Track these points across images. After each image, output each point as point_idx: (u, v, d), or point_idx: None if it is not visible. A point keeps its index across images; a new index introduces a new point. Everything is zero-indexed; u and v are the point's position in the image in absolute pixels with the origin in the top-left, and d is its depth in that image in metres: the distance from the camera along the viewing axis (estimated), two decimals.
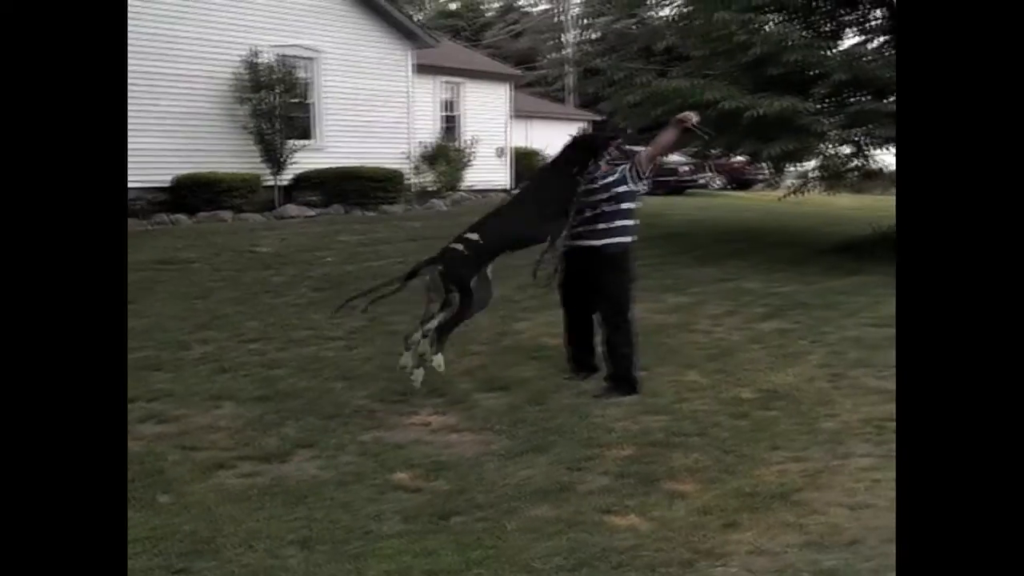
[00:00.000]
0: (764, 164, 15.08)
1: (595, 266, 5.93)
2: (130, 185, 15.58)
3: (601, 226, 5.89)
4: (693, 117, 5.94)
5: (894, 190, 21.28)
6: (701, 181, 30.13)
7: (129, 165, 15.95)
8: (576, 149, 6.01)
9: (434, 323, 5.51)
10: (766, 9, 13.31)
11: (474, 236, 5.66)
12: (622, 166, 6.01)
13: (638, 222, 6.06)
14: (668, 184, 25.83)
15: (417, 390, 5.73)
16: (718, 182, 32.10)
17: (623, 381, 5.91)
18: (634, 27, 29.93)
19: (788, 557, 3.57)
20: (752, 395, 5.87)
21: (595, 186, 5.91)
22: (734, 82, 12.51)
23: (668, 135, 6.07)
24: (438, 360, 5.44)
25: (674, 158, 28.17)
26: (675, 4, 15.28)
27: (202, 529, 3.74)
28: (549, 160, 7.13)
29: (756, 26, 12.23)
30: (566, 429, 5.13)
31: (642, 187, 6.00)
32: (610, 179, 5.93)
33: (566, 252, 6.02)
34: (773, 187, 30.61)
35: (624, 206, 5.94)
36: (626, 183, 5.92)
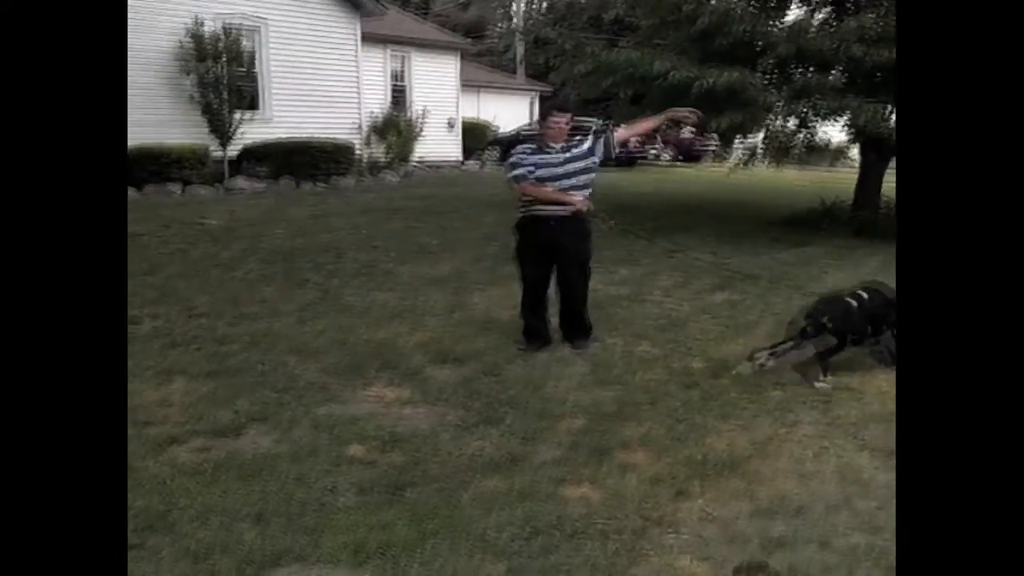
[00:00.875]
0: (713, 136, 15.18)
1: (570, 232, 6.03)
2: None
3: (576, 195, 6.00)
4: (693, 118, 6.06)
5: (840, 163, 21.60)
6: (652, 153, 30.28)
7: None
8: None
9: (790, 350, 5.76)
10: None
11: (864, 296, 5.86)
12: (590, 139, 6.14)
13: (593, 192, 6.16)
14: (619, 157, 25.91)
15: (369, 364, 5.75)
16: (667, 155, 32.29)
17: (585, 329, 6.36)
18: None
19: (738, 525, 3.66)
20: (702, 365, 5.96)
21: (570, 155, 6.02)
22: (683, 53, 12.56)
23: (651, 123, 6.18)
24: (823, 385, 5.53)
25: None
26: None
27: (156, 504, 3.73)
28: None
29: None
30: (519, 401, 5.17)
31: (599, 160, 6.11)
32: (579, 149, 6.06)
33: (530, 219, 6.09)
34: (722, 160, 30.93)
35: (589, 178, 6.10)
36: (594, 155, 6.09)
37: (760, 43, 12.36)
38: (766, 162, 14.96)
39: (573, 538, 3.51)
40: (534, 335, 6.30)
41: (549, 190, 5.98)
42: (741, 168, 15.35)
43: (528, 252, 6.25)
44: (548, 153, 6.02)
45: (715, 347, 6.41)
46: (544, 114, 6.22)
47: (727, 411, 5.05)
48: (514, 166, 6.12)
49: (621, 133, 6.42)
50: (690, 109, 6.24)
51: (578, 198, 5.98)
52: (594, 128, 6.12)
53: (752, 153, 14.93)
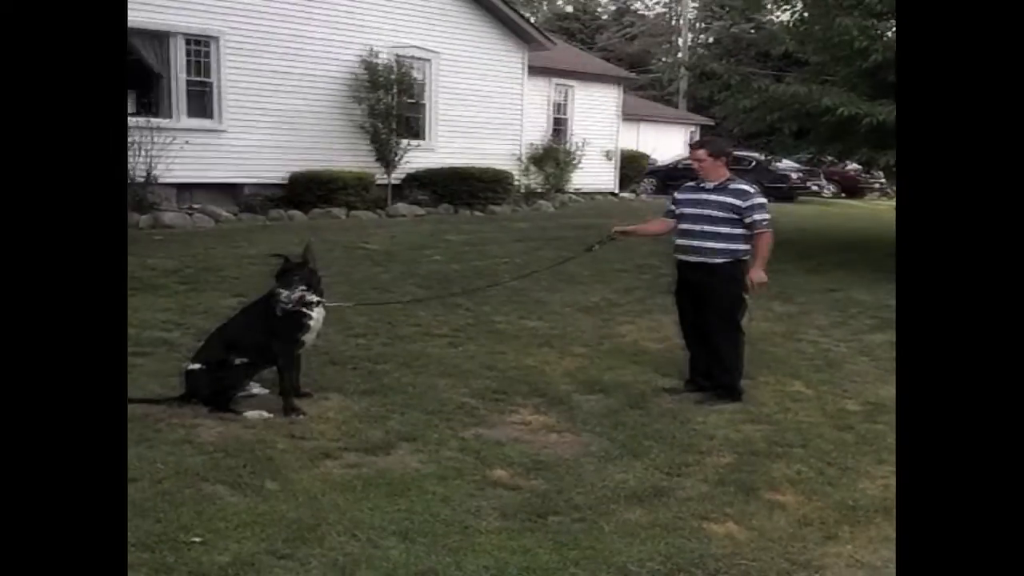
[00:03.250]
0: (879, 173, 14.69)
1: (706, 275, 5.83)
2: (247, 181, 16.15)
3: (710, 244, 5.79)
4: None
5: None
6: (813, 188, 29.52)
7: (247, 161, 16.42)
8: None
9: None
10: (887, 15, 13.00)
11: None
12: (749, 200, 5.79)
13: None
14: (779, 191, 25.37)
15: (516, 389, 5.82)
16: (830, 189, 31.41)
17: (728, 389, 5.87)
18: (751, 31, 29.53)
19: (888, 572, 3.52)
20: (858, 407, 5.76)
21: (719, 198, 5.81)
22: (853, 88, 12.27)
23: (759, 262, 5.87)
24: None
25: (786, 163, 27.71)
26: (794, 9, 15.01)
27: (307, 516, 3.87)
28: None
29: (877, 32, 11.97)
30: (665, 434, 5.12)
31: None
32: (726, 198, 5.80)
33: (678, 262, 6.01)
34: (887, 196, 29.86)
35: (734, 230, 5.76)
36: (739, 212, 5.76)
37: None
38: None
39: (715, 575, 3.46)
40: (696, 372, 6.13)
41: (637, 226, 6.23)
42: None
43: (677, 292, 6.19)
44: (701, 191, 5.92)
45: (872, 389, 6.19)
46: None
47: (882, 456, 4.87)
48: (672, 201, 6.11)
49: (759, 237, 5.84)
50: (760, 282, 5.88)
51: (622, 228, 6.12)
52: (751, 185, 5.77)
53: None
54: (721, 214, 5.75)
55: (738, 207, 5.74)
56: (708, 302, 5.88)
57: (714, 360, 5.95)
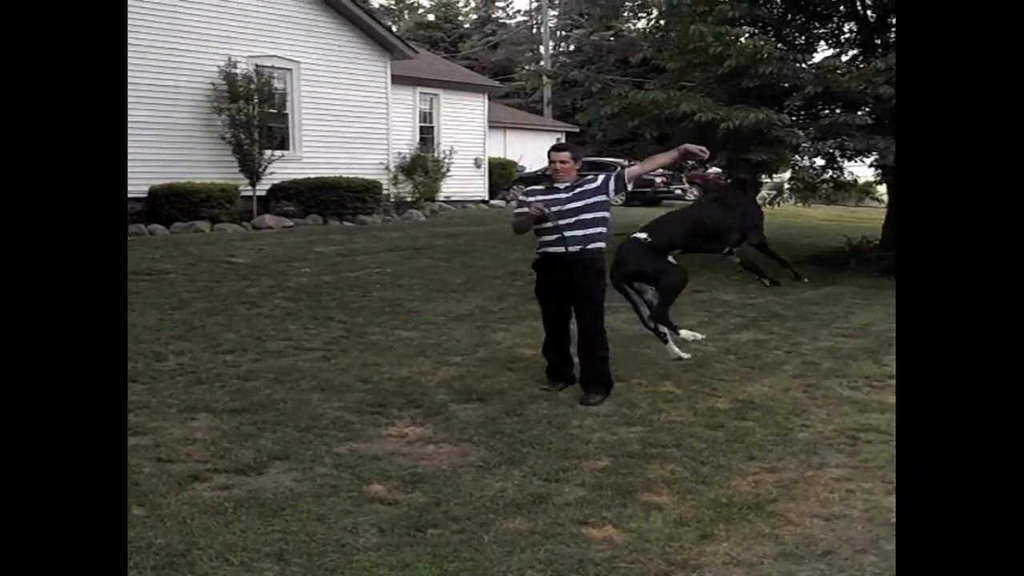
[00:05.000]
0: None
1: (576, 271, 5.93)
2: None
3: (580, 233, 5.89)
4: (705, 152, 6.08)
5: (866, 201, 21.53)
6: (677, 192, 30.27)
7: None
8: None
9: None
10: (741, 22, 13.44)
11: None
12: (602, 176, 6.09)
13: (610, 230, 6.09)
14: (644, 195, 25.92)
15: (392, 401, 5.76)
16: (693, 193, 32.26)
17: (601, 382, 5.99)
18: (610, 39, 30.13)
19: (764, 568, 3.60)
20: (728, 406, 5.90)
21: (578, 191, 5.97)
22: (710, 94, 12.61)
23: (665, 158, 6.16)
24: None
25: None
26: (651, 16, 15.39)
27: (176, 542, 3.72)
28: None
29: (731, 39, 12.34)
30: (542, 440, 5.14)
31: (619, 198, 6.04)
32: (586, 187, 5.99)
33: (542, 258, 6.06)
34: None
35: (601, 214, 5.97)
36: (606, 193, 5.99)
37: (787, 83, 12.38)
38: (792, 200, 14.92)
39: None
40: (556, 374, 6.26)
41: (522, 219, 6.09)
42: (767, 206, 15.30)
43: (541, 291, 6.24)
44: (555, 192, 6.02)
45: (740, 387, 6.35)
46: (548, 156, 6.23)
47: (753, 452, 4.99)
48: (520, 204, 6.19)
49: (635, 169, 6.39)
50: (699, 147, 6.21)
51: (529, 209, 5.95)
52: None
53: (778, 191, 14.90)
54: (587, 207, 5.92)
55: (597, 190, 5.98)
56: (577, 297, 5.99)
57: (584, 355, 6.08)
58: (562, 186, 6.03)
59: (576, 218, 5.90)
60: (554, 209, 5.90)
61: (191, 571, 3.48)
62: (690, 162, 15.90)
